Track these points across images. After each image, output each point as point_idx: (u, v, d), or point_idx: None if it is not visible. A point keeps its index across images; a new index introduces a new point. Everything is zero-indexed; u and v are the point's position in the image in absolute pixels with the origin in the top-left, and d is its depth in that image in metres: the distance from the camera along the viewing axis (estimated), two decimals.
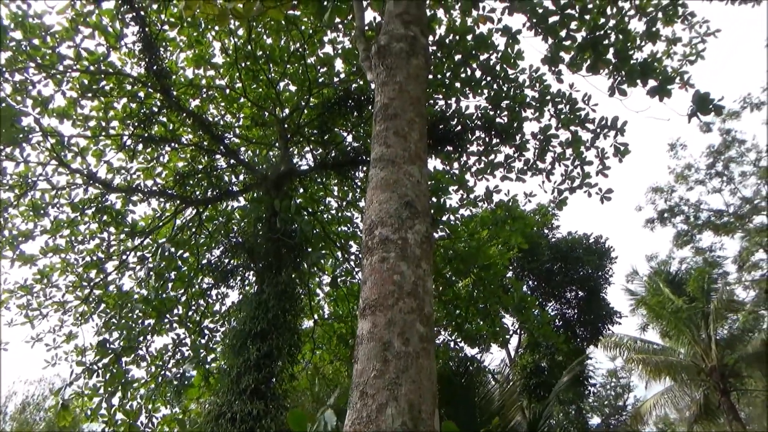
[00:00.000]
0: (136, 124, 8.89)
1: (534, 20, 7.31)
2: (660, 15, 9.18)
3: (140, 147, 9.21)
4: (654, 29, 9.05)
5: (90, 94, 8.62)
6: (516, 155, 9.17)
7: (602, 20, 7.81)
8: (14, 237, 8.66)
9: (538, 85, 8.79)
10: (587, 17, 7.11)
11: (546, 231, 20.46)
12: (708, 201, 24.03)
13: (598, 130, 8.61)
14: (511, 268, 18.66)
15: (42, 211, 8.73)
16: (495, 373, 13.80)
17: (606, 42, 6.74)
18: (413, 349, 2.40)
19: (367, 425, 2.18)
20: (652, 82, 6.25)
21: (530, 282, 20.23)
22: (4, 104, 7.54)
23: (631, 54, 6.83)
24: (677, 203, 24.22)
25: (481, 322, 9.76)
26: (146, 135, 8.96)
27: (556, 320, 19.49)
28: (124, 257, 9.18)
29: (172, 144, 9.43)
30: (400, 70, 3.82)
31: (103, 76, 8.58)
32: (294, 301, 6.92)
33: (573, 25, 6.93)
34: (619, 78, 6.96)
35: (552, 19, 6.93)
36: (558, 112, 8.79)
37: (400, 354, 2.37)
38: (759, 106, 23.27)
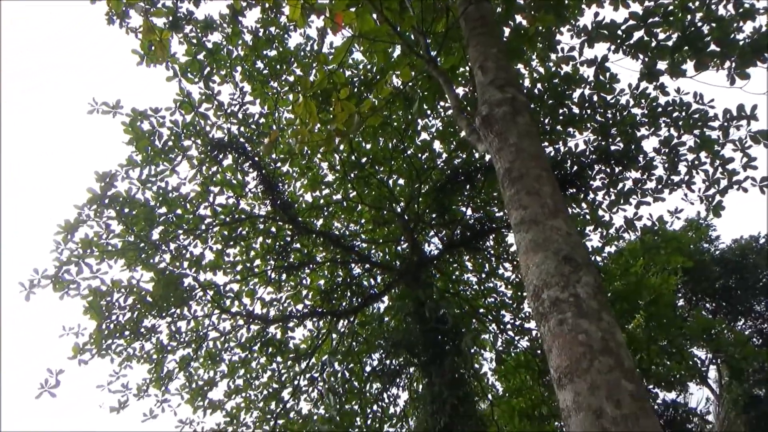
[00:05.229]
0: (275, 257, 9.63)
1: (618, 41, 7.12)
2: None
3: (284, 277, 9.91)
4: (749, 6, 8.45)
5: (231, 243, 9.55)
6: (645, 177, 8.65)
7: (689, 16, 7.42)
8: (200, 387, 9.53)
9: (643, 101, 8.39)
10: (671, 19, 6.79)
11: (706, 245, 18.54)
12: None
13: (726, 124, 7.93)
14: (680, 295, 16.92)
15: (218, 358, 9.59)
16: (702, 414, 12.20)
17: (701, 36, 6.36)
18: (629, 410, 2.21)
19: None
20: None
21: (707, 305, 18.14)
22: (167, 272, 8.55)
23: (733, 38, 6.36)
24: None
25: (668, 362, 8.83)
26: (286, 264, 9.65)
27: (754, 338, 17.09)
28: (296, 382, 9.65)
29: (310, 266, 10.04)
30: (510, 133, 3.83)
31: (238, 223, 9.50)
32: (466, 386, 6.75)
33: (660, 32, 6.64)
34: (732, 64, 6.45)
35: (637, 35, 6.71)
36: (674, 120, 8.26)
37: (617, 419, 2.19)
38: None
